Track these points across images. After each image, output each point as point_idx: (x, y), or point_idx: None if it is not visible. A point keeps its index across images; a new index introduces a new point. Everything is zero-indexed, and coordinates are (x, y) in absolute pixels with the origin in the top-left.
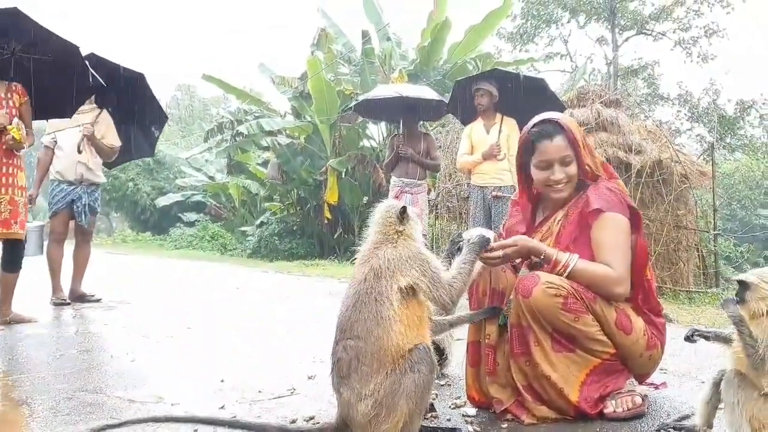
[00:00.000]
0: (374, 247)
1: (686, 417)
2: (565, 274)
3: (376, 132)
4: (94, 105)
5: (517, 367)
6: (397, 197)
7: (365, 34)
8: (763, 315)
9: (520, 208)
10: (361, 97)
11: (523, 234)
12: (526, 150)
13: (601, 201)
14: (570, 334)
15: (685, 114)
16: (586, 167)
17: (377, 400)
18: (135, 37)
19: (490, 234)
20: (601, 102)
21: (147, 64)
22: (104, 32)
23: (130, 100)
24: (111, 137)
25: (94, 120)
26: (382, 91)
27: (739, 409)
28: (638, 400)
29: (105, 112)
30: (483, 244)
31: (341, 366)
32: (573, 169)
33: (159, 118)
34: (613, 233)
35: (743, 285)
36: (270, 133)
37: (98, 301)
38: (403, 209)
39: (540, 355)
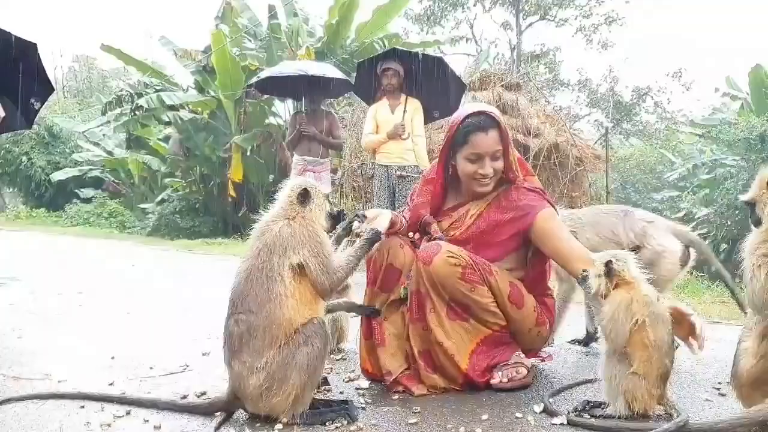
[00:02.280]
0: (271, 221)
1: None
2: None
3: (283, 109)
4: None
5: (415, 332)
6: (299, 175)
7: (271, 9)
8: (602, 293)
9: (433, 191)
10: (263, 74)
11: (429, 216)
12: (457, 140)
13: (530, 202)
14: (465, 304)
15: (584, 100)
16: (511, 164)
17: (269, 373)
18: (30, 4)
19: (384, 223)
20: (503, 85)
21: (43, 34)
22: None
23: (10, 69)
24: None
25: None
26: (284, 67)
27: (615, 383)
28: (523, 371)
29: None
30: (374, 240)
31: (233, 340)
32: (500, 164)
33: (42, 89)
34: (561, 228)
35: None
36: (171, 108)
37: None
38: (305, 191)
39: (435, 321)
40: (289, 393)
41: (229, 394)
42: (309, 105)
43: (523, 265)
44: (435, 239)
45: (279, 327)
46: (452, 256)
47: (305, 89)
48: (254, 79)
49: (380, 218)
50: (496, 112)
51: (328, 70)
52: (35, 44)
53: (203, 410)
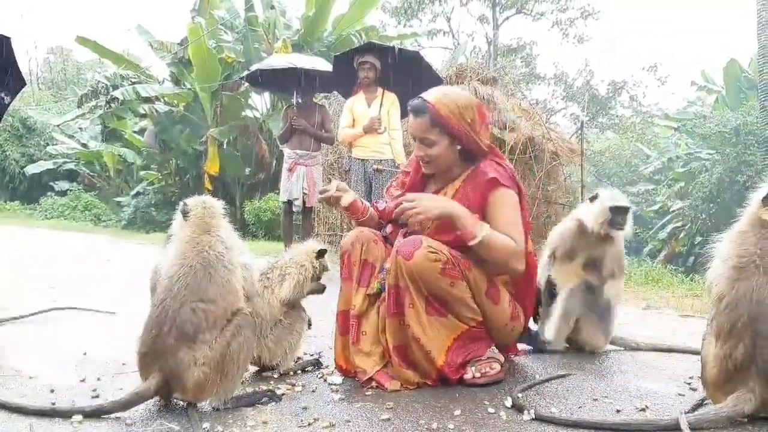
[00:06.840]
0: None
1: None
2: (476, 241)
3: (260, 102)
4: None
5: (391, 327)
6: (290, 170)
7: (248, 1)
8: None
9: (410, 180)
10: (253, 67)
11: None
12: None
13: (496, 173)
14: (444, 299)
15: (560, 93)
16: (479, 145)
17: (206, 363)
18: None
19: (347, 199)
20: (479, 79)
21: (17, 25)
22: None
23: None
24: None
25: None
26: (276, 61)
27: None
28: (497, 366)
29: None
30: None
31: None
32: (435, 151)
33: (14, 84)
34: (509, 210)
35: None
36: (147, 100)
37: None
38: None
39: (413, 317)
40: (223, 381)
41: (159, 381)
42: (300, 98)
43: None
44: (411, 233)
45: (214, 321)
46: (432, 251)
47: (296, 83)
48: (245, 73)
49: (346, 195)
50: (435, 98)
51: (319, 63)
52: (8, 38)
53: (123, 406)
